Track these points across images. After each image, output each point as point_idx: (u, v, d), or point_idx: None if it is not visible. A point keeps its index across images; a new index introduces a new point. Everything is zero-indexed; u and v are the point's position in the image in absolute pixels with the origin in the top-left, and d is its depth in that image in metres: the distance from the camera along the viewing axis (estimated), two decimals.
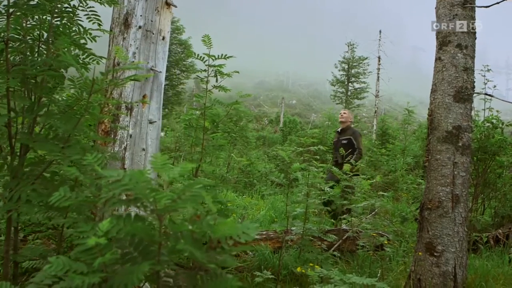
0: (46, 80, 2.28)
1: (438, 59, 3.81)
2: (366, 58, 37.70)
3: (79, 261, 1.50)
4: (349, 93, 39.25)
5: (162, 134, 18.54)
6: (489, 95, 3.96)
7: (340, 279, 3.00)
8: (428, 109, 3.84)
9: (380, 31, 31.46)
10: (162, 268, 1.48)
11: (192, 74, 31.87)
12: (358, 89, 39.17)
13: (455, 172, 3.60)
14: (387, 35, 31.19)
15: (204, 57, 4.20)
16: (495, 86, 6.75)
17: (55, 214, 2.16)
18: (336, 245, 5.63)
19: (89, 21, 2.90)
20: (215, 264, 1.49)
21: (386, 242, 4.46)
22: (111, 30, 3.86)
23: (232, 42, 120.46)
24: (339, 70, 40.34)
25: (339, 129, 8.81)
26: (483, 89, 6.65)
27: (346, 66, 39.68)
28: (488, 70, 6.78)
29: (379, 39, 31.22)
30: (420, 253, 3.70)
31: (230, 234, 1.43)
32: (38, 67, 2.19)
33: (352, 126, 8.95)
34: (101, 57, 2.71)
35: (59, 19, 2.55)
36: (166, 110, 30.13)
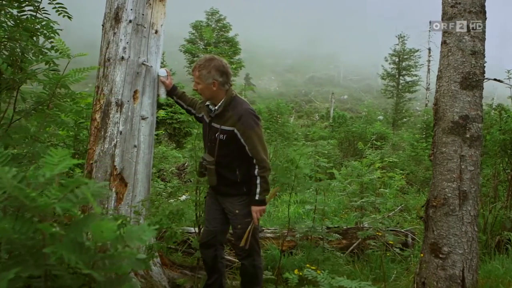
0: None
1: (443, 43, 3.48)
2: (418, 50, 36.47)
3: None
4: (400, 86, 38.15)
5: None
6: (499, 80, 3.57)
7: (328, 282, 2.83)
8: (434, 97, 3.52)
9: (430, 22, 30.17)
10: (40, 273, 1.36)
11: (240, 70, 31.97)
12: (410, 82, 38.00)
13: (463, 166, 3.27)
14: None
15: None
16: None
17: None
18: (355, 244, 5.38)
19: (59, 14, 2.86)
20: (105, 270, 1.36)
21: (391, 242, 4.17)
22: (103, 26, 3.83)
23: (282, 37, 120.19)
24: (389, 64, 39.29)
25: (208, 104, 3.54)
26: None
27: (397, 59, 38.58)
28: None
29: (429, 30, 29.97)
30: (422, 255, 3.40)
31: (107, 239, 1.29)
32: None
33: (235, 93, 3.48)
34: (51, 49, 2.65)
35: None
36: None
